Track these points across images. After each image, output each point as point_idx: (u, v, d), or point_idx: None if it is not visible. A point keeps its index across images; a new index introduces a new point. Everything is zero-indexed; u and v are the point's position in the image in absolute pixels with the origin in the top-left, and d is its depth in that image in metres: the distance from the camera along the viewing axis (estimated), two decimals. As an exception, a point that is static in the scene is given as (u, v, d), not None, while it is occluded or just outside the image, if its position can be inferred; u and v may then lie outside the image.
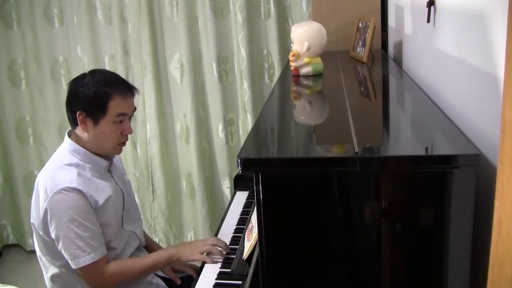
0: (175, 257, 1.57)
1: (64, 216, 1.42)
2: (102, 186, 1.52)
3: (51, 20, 2.89)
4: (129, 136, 1.58)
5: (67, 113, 1.54)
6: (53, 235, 1.46)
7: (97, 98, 1.48)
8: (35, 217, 1.51)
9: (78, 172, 1.48)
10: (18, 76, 3.03)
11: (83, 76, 1.53)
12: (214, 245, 1.58)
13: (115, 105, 1.49)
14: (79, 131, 1.53)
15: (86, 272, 1.48)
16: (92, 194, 1.47)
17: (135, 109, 1.58)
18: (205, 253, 1.58)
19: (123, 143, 1.58)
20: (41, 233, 1.50)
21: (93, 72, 1.55)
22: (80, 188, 1.44)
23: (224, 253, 1.58)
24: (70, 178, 1.46)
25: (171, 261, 1.59)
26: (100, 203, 1.49)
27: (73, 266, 1.47)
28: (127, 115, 1.54)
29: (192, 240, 3.09)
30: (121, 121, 1.52)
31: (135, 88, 1.57)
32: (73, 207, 1.43)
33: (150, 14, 2.75)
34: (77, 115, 1.49)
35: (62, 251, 1.46)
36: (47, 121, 3.06)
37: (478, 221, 0.97)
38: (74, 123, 1.53)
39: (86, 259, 1.44)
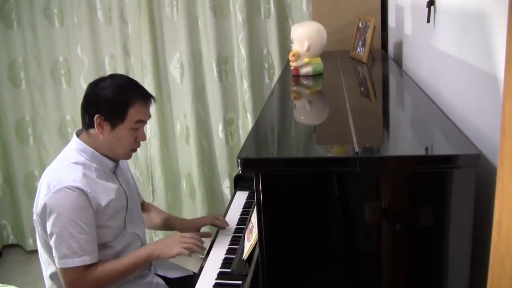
0: (155, 255, 1.55)
1: (62, 214, 1.42)
2: (105, 188, 1.52)
3: (51, 20, 2.89)
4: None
5: (83, 114, 1.53)
6: (48, 231, 1.45)
7: (117, 104, 1.49)
8: (34, 212, 1.51)
9: (83, 173, 1.48)
10: (18, 76, 3.03)
11: (102, 79, 1.53)
12: (193, 243, 1.56)
13: (135, 112, 1.50)
14: (93, 132, 1.52)
15: (68, 274, 1.45)
16: (94, 196, 1.46)
17: (150, 116, 1.59)
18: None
19: (135, 149, 1.59)
20: (39, 230, 1.50)
21: (113, 77, 1.56)
22: (83, 188, 1.44)
23: (204, 252, 1.59)
24: (74, 177, 1.45)
25: (150, 259, 1.57)
26: (103, 205, 1.48)
27: (58, 265, 1.45)
28: (144, 122, 1.56)
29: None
30: (137, 128, 1.53)
31: (153, 97, 1.59)
32: (73, 207, 1.42)
33: (150, 14, 2.75)
34: (94, 118, 1.48)
35: (53, 248, 1.45)
36: (47, 121, 3.06)
37: (478, 221, 0.97)
38: (89, 125, 1.52)
39: (74, 261, 1.43)
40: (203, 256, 1.62)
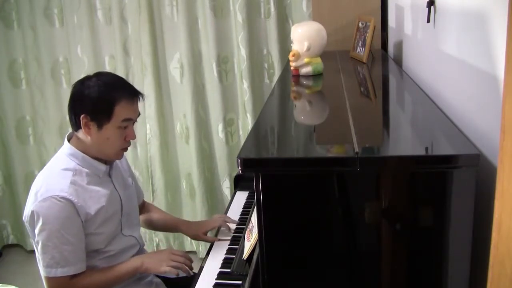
0: (142, 269, 1.53)
1: (48, 224, 1.40)
2: (96, 195, 1.49)
3: (51, 20, 2.90)
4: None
5: (70, 115, 1.49)
6: (35, 238, 1.44)
7: (103, 102, 1.44)
8: (23, 218, 1.49)
9: (72, 180, 1.45)
10: (18, 76, 3.03)
11: (88, 78, 1.49)
12: (181, 262, 1.54)
13: (121, 110, 1.46)
14: (81, 134, 1.49)
15: (51, 282, 1.45)
16: (82, 205, 1.43)
17: (139, 114, 1.55)
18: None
19: (125, 149, 1.55)
20: (31, 235, 1.49)
21: (98, 75, 1.51)
22: (70, 198, 1.41)
23: (192, 272, 1.57)
24: (62, 186, 1.42)
25: (137, 272, 1.55)
26: (92, 213, 1.46)
27: (43, 274, 1.45)
28: (132, 121, 1.52)
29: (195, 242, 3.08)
30: (125, 127, 1.49)
31: (141, 93, 1.54)
32: (59, 217, 1.40)
33: (150, 14, 2.75)
34: (80, 118, 1.44)
35: (39, 255, 1.44)
36: (47, 121, 3.06)
37: (478, 221, 0.97)
38: (76, 126, 1.48)
39: (57, 272, 1.42)
40: (190, 275, 1.59)
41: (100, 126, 1.46)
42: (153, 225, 1.90)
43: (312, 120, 1.43)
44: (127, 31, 2.82)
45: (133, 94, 1.51)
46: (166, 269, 1.51)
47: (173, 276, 1.60)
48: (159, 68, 2.85)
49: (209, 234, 1.82)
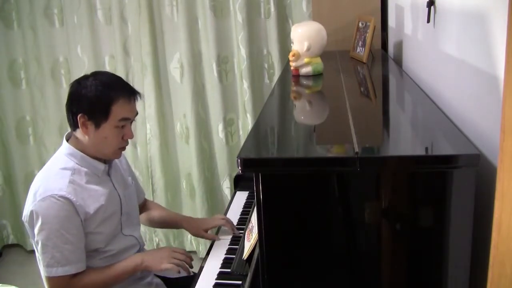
0: (142, 267, 1.52)
1: (47, 223, 1.40)
2: (95, 194, 1.49)
3: (51, 20, 2.90)
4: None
5: (68, 115, 1.50)
6: (34, 238, 1.44)
7: (100, 102, 1.44)
8: (23, 218, 1.49)
9: (70, 179, 1.45)
10: (18, 76, 3.03)
11: (85, 77, 1.49)
12: (182, 260, 1.54)
13: (118, 110, 1.46)
14: (79, 134, 1.49)
15: (52, 281, 1.45)
16: (81, 204, 1.43)
17: (137, 113, 1.55)
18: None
19: (123, 148, 1.55)
20: (30, 234, 1.49)
21: (96, 74, 1.51)
22: (69, 196, 1.41)
23: (191, 272, 1.56)
24: (60, 185, 1.42)
25: (137, 270, 1.55)
26: (91, 212, 1.45)
27: (43, 273, 1.45)
28: (130, 120, 1.51)
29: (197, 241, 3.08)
30: (123, 126, 1.49)
31: (139, 93, 1.54)
32: (58, 216, 1.40)
33: (150, 14, 2.75)
34: (78, 117, 1.45)
35: (39, 255, 1.45)
36: (47, 120, 3.06)
37: (478, 221, 0.97)
38: (74, 125, 1.49)
39: (58, 271, 1.42)
40: (190, 274, 1.59)
41: (97, 125, 1.46)
42: (154, 222, 1.90)
43: (312, 120, 1.43)
44: (127, 31, 2.82)
45: (130, 93, 1.51)
46: (168, 266, 1.51)
47: (174, 274, 1.60)
48: (159, 68, 2.85)
49: (209, 232, 1.82)
